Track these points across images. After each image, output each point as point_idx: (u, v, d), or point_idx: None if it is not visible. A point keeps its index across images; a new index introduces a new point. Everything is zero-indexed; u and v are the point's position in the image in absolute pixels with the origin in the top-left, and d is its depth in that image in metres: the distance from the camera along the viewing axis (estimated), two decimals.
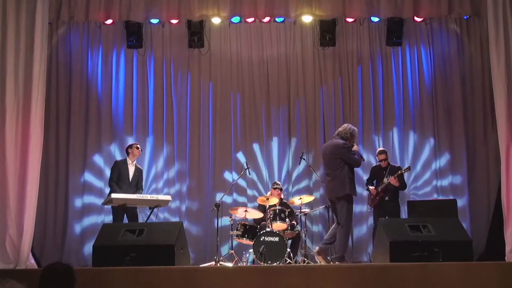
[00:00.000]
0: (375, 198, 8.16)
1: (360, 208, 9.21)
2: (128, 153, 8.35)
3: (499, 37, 6.54)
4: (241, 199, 9.33)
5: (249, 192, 9.35)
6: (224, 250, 8.53)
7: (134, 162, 8.32)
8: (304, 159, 8.46)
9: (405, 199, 8.67)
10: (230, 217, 8.10)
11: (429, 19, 9.23)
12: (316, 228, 9.22)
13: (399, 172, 7.88)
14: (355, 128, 7.15)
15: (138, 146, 8.44)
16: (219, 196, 8.78)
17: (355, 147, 7.09)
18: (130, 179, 8.18)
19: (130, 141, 9.26)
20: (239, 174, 8.80)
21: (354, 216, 9.16)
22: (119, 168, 8.19)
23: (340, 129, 7.15)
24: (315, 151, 9.40)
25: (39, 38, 6.41)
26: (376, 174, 8.34)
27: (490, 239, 8.57)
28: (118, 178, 8.12)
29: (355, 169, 7.12)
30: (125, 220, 8.00)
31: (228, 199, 9.12)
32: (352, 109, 9.50)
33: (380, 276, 5.29)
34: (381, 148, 8.65)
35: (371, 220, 9.02)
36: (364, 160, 7.34)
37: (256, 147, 9.51)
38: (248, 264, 7.78)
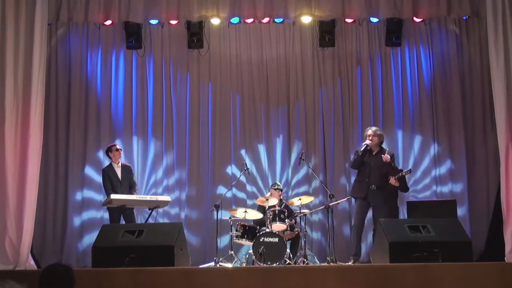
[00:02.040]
0: None
1: None
2: (110, 157, 8.34)
3: (498, 37, 6.55)
4: (241, 199, 9.32)
5: (249, 192, 9.34)
6: (224, 251, 8.51)
7: (120, 163, 8.31)
8: (303, 159, 8.45)
9: (404, 199, 8.66)
10: (230, 218, 8.10)
11: (428, 19, 9.22)
12: (315, 232, 9.22)
13: (400, 174, 7.88)
14: (367, 128, 7.86)
15: (118, 147, 8.39)
16: (218, 197, 8.77)
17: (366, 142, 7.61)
18: (121, 180, 8.18)
19: (130, 141, 9.28)
20: (238, 175, 8.80)
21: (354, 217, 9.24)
22: (108, 175, 8.18)
23: None
24: (314, 152, 9.39)
25: (39, 39, 6.42)
26: None
27: (489, 239, 8.57)
28: (111, 183, 8.12)
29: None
30: (122, 221, 8.00)
31: (228, 200, 9.10)
32: (352, 110, 9.49)
33: (380, 277, 5.30)
34: None
35: (371, 221, 9.01)
36: (365, 147, 7.62)
37: (255, 147, 9.50)
38: (248, 265, 7.78)
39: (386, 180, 7.56)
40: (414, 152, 9.39)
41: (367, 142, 7.51)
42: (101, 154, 9.24)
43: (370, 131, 7.68)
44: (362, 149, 7.54)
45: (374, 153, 7.64)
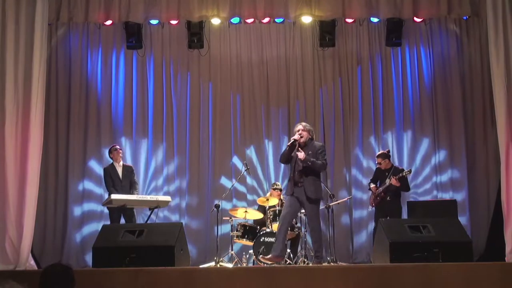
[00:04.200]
0: (376, 198, 8.16)
1: (360, 209, 9.22)
2: (111, 158, 8.45)
3: (499, 37, 6.55)
4: (241, 199, 9.32)
5: (249, 192, 9.34)
6: (224, 251, 8.51)
7: (121, 163, 8.41)
8: None
9: (405, 199, 8.66)
10: (230, 218, 8.11)
11: (428, 19, 9.23)
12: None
13: (400, 174, 7.89)
14: (297, 124, 7.11)
15: (117, 147, 8.50)
16: (219, 197, 8.78)
17: None
18: (121, 180, 8.25)
19: (130, 141, 9.29)
20: (238, 175, 8.80)
21: (354, 217, 9.25)
22: (109, 172, 8.29)
23: None
24: None
25: (39, 39, 6.42)
26: (379, 175, 8.34)
27: (490, 239, 8.57)
28: (112, 181, 8.20)
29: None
30: (122, 221, 8.02)
31: (228, 203, 9.09)
32: (352, 110, 9.50)
33: (380, 277, 5.29)
34: (380, 152, 8.59)
35: (371, 221, 9.02)
36: (292, 143, 6.87)
37: (255, 148, 9.50)
38: (248, 265, 7.78)
39: (308, 176, 6.75)
40: (415, 151, 9.39)
41: (295, 137, 6.85)
42: (101, 155, 9.26)
43: (300, 126, 6.99)
44: (289, 143, 6.92)
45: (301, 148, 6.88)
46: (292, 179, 6.84)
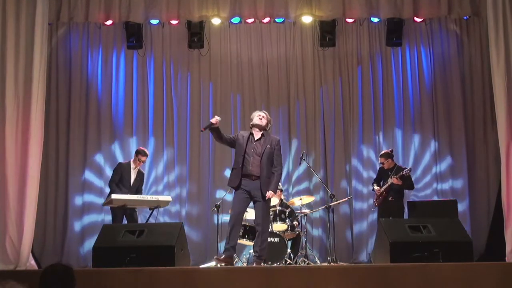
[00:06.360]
0: (378, 198, 8.18)
1: (360, 210, 9.22)
2: (134, 157, 8.29)
3: (499, 37, 6.55)
4: None
5: None
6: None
7: (137, 168, 8.27)
8: (304, 159, 8.44)
9: (405, 199, 8.67)
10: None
11: (428, 19, 9.24)
12: (316, 232, 9.23)
13: (401, 173, 7.90)
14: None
15: (144, 156, 8.19)
16: (219, 197, 8.78)
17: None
18: (131, 184, 8.14)
19: (130, 141, 9.29)
20: None
21: (355, 217, 9.25)
22: (121, 171, 8.14)
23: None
24: (315, 152, 9.40)
25: (39, 39, 6.42)
26: (382, 174, 8.34)
27: (490, 239, 8.57)
28: (120, 180, 8.09)
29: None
30: (124, 221, 8.00)
31: (228, 201, 9.09)
32: (352, 110, 9.50)
33: (380, 277, 5.29)
34: (383, 151, 8.59)
35: (371, 221, 9.03)
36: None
37: None
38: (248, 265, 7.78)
39: (264, 170, 6.22)
40: (415, 151, 9.41)
41: (256, 120, 6.40)
42: (101, 154, 9.26)
43: (261, 112, 6.53)
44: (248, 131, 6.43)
45: (256, 139, 6.39)
46: (240, 169, 6.26)
